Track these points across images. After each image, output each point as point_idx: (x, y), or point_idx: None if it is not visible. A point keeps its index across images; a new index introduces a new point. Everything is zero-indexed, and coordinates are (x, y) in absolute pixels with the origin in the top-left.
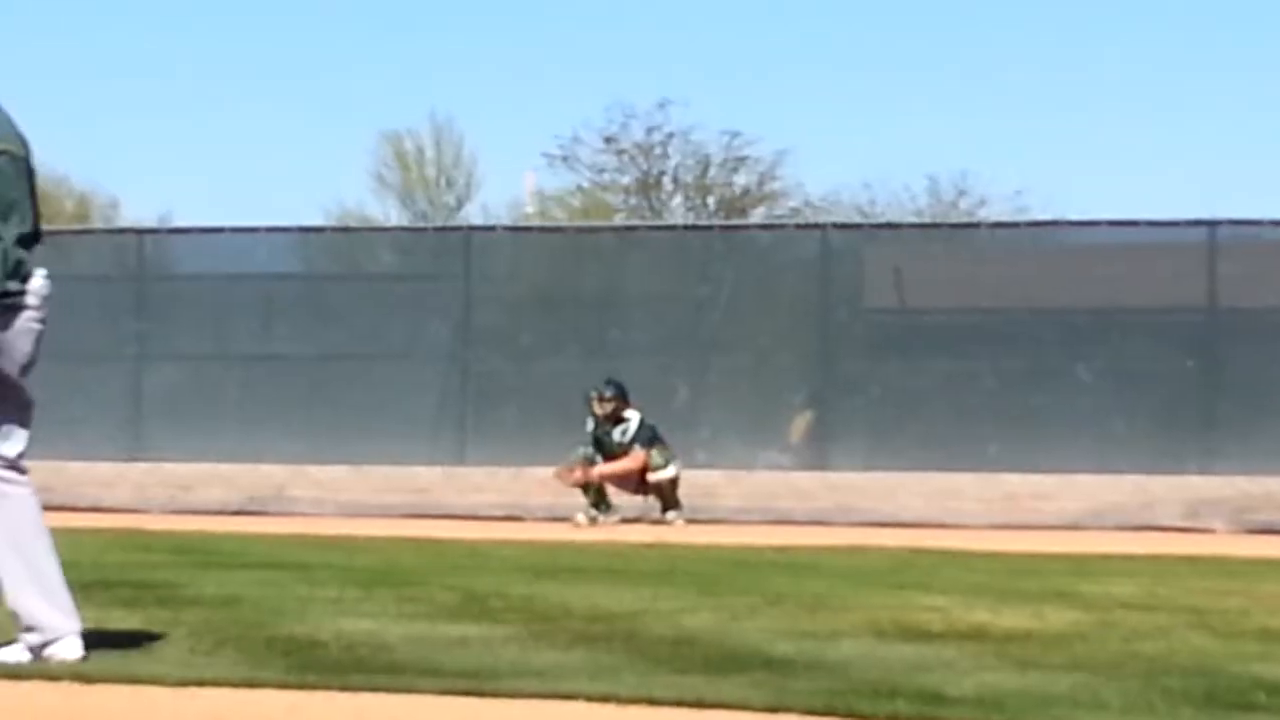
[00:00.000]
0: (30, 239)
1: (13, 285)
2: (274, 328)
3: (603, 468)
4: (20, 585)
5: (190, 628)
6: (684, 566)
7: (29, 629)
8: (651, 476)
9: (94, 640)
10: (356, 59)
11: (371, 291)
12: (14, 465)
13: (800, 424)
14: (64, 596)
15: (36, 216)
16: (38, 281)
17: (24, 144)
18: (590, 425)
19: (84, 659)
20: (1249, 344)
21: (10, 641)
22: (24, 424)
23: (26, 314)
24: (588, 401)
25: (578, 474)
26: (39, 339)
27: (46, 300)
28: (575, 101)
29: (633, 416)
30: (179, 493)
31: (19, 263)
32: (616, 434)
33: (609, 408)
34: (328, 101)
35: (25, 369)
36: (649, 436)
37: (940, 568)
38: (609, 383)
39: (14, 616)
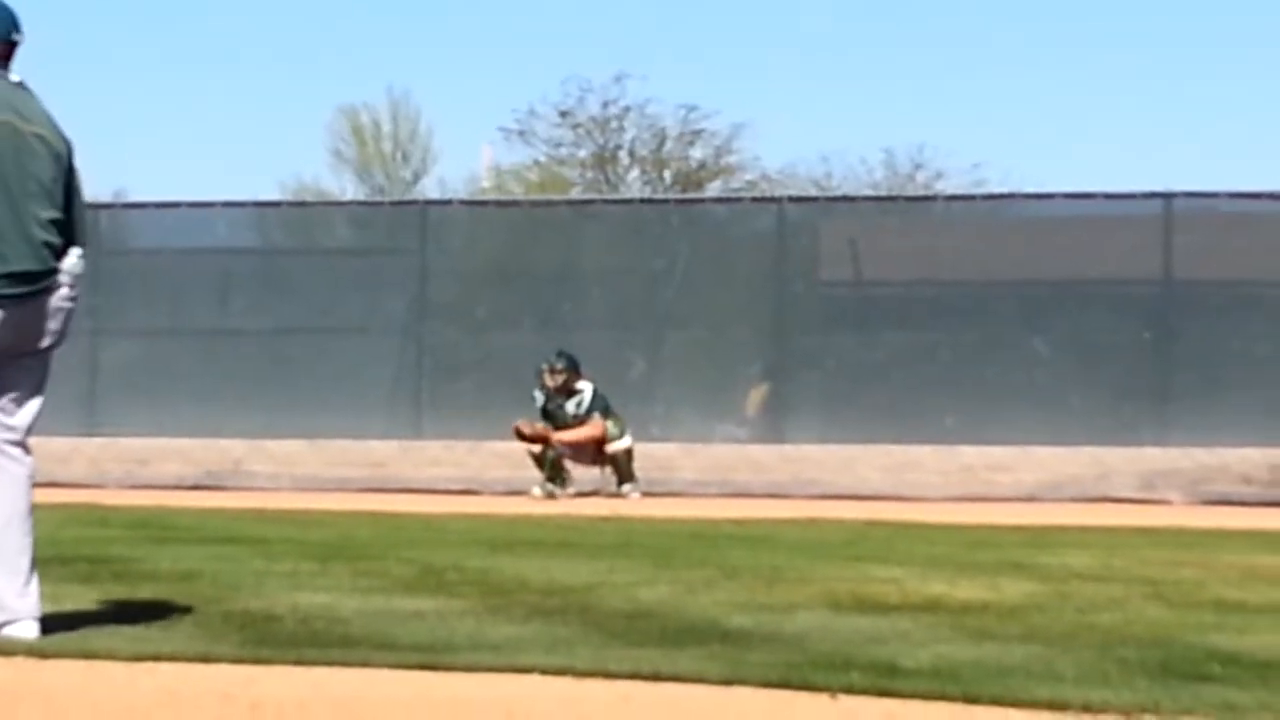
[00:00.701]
0: (62, 225)
1: (39, 265)
2: (230, 302)
3: (563, 435)
4: None
5: (146, 603)
6: (640, 540)
7: None
8: (609, 447)
9: (50, 616)
10: (313, 33)
11: (328, 266)
12: (20, 443)
13: (756, 396)
14: (32, 583)
15: (72, 208)
16: (71, 260)
17: (64, 141)
18: (540, 399)
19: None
20: (1204, 316)
21: None
22: (36, 400)
23: (60, 293)
24: (538, 374)
25: (539, 427)
26: (69, 316)
27: (79, 279)
28: (531, 76)
29: (586, 388)
30: (135, 467)
31: (45, 244)
32: (570, 406)
33: (560, 379)
34: (284, 75)
35: (53, 346)
36: (604, 406)
37: (896, 540)
38: (560, 354)
39: None
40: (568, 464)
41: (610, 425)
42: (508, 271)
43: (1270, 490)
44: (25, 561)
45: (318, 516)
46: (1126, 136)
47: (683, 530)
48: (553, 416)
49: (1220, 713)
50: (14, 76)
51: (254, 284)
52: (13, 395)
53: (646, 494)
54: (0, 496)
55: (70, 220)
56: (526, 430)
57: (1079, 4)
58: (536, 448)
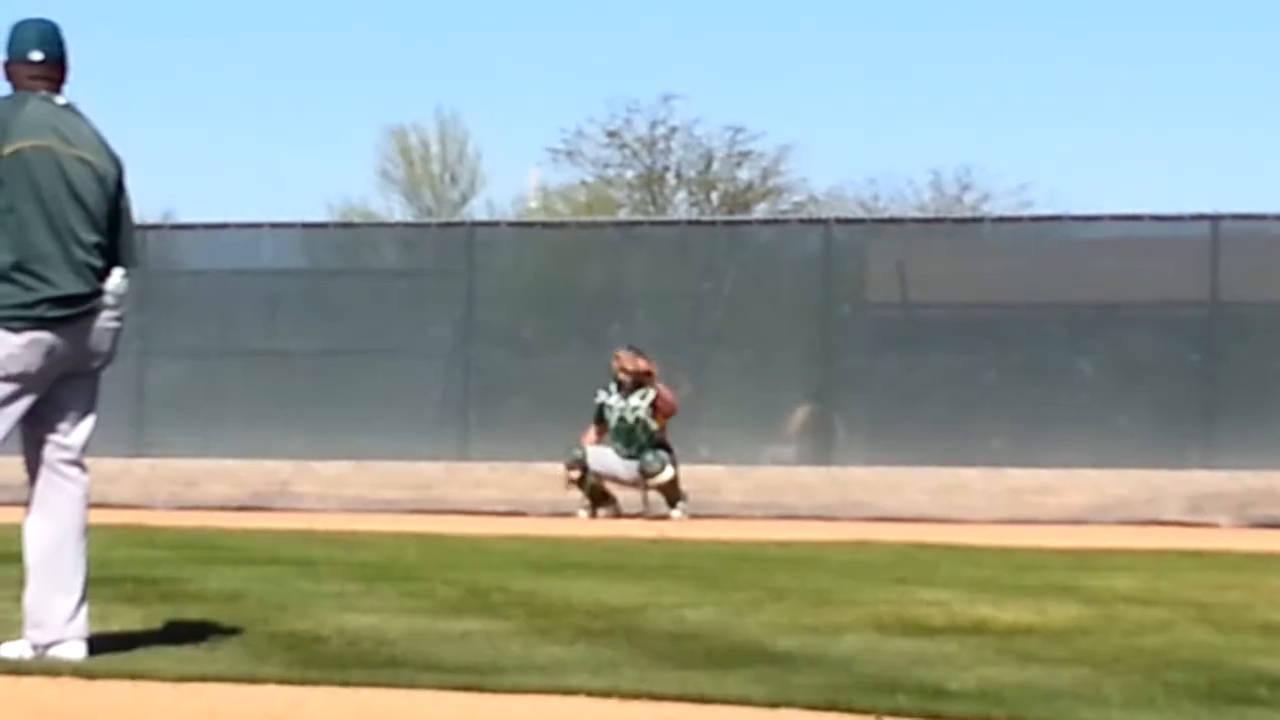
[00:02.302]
0: (105, 248)
1: (83, 288)
2: (278, 323)
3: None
4: (42, 581)
5: (193, 623)
6: (686, 561)
7: (37, 625)
8: (652, 480)
9: (97, 636)
10: (361, 54)
11: (375, 287)
12: (77, 461)
13: (798, 416)
14: (82, 603)
15: (119, 230)
16: (114, 281)
17: (114, 162)
18: (606, 396)
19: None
20: (1251, 338)
21: (15, 637)
22: (90, 420)
23: (105, 314)
24: (613, 364)
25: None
26: (116, 336)
27: (123, 299)
28: (579, 96)
29: (650, 391)
30: (183, 488)
31: (89, 266)
32: (635, 399)
33: (640, 364)
34: (333, 96)
35: (103, 366)
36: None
37: (943, 562)
38: (630, 347)
39: (26, 610)
40: (611, 487)
41: (650, 458)
42: (555, 293)
43: None
44: (79, 581)
45: (364, 537)
46: (1173, 158)
47: (729, 552)
48: (611, 415)
49: None
50: (61, 99)
51: (301, 305)
52: (66, 415)
53: (693, 515)
54: (57, 515)
55: (116, 241)
56: (575, 475)
57: (1127, 26)
58: (575, 473)
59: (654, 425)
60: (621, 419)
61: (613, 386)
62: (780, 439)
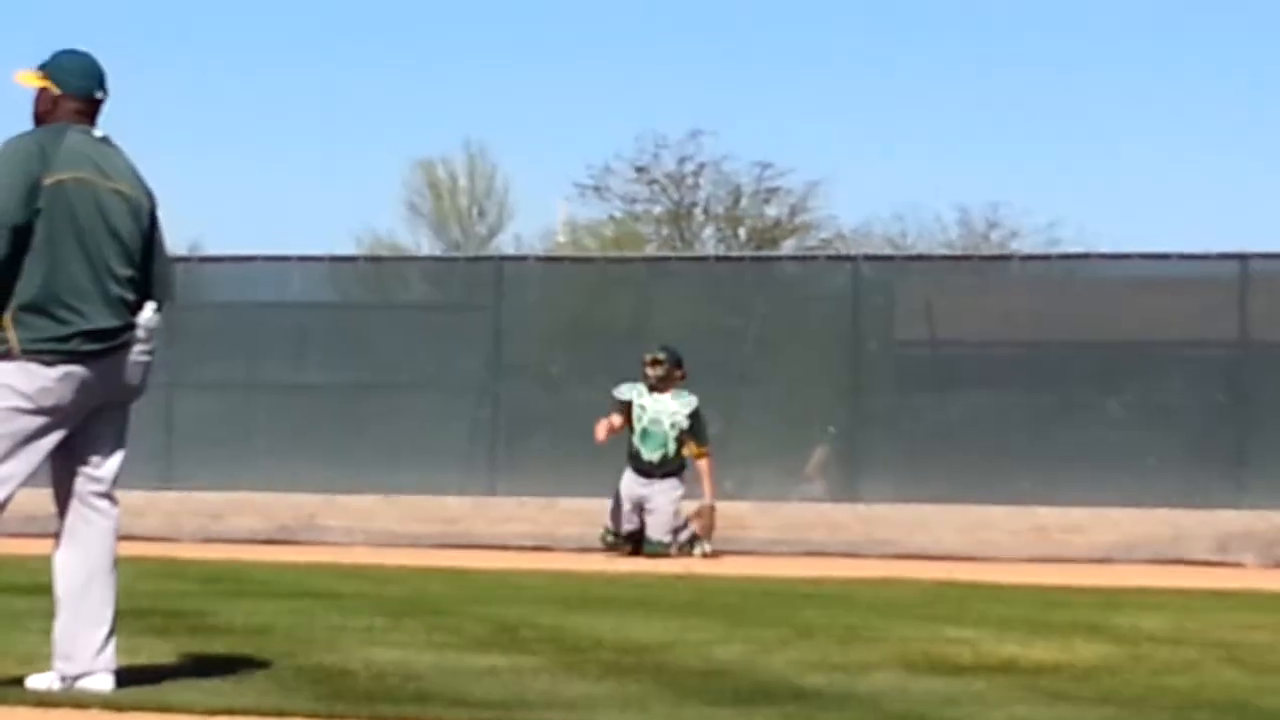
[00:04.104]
0: (139, 282)
1: (116, 322)
2: (305, 357)
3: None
4: (72, 613)
5: (220, 656)
6: (714, 598)
7: (66, 657)
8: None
9: (125, 669)
10: (390, 87)
11: (403, 321)
12: (107, 494)
13: (816, 457)
14: (111, 636)
15: (152, 262)
16: (146, 314)
17: (148, 195)
18: (634, 394)
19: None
20: None
21: (44, 669)
22: (120, 453)
23: (137, 348)
24: (641, 365)
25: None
26: (147, 370)
27: (154, 332)
28: (607, 131)
29: (692, 400)
30: (210, 521)
31: (122, 300)
32: (675, 403)
33: (661, 370)
34: (361, 129)
35: (133, 399)
36: (702, 429)
37: (971, 600)
38: (663, 348)
39: (55, 641)
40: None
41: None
42: (583, 328)
43: None
44: (109, 613)
45: (391, 572)
46: (1202, 196)
47: (756, 589)
48: (643, 421)
49: None
50: (98, 132)
51: (329, 339)
52: (97, 448)
53: (718, 552)
54: (87, 548)
55: (149, 274)
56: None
57: (1155, 64)
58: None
59: (682, 446)
60: (656, 420)
61: (642, 387)
62: (799, 479)
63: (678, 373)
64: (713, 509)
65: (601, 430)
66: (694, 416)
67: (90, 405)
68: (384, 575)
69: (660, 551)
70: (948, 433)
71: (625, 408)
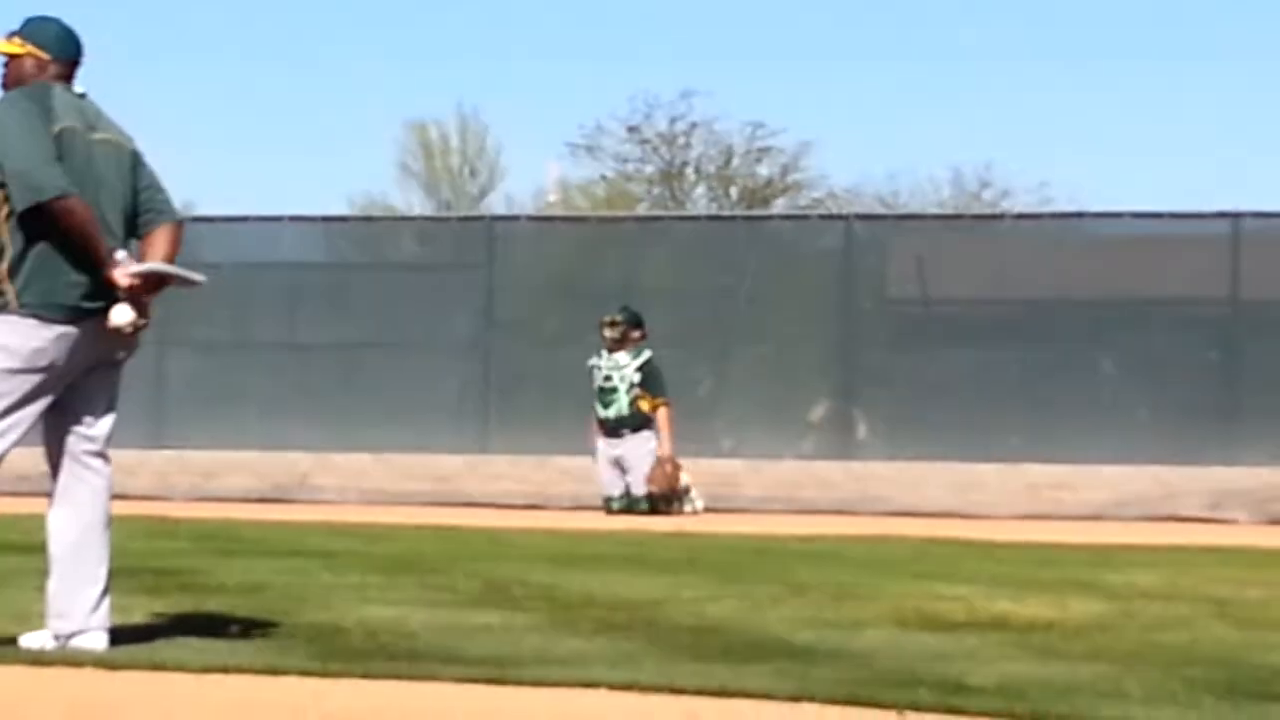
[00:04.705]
0: (129, 235)
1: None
2: (297, 316)
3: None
4: (65, 571)
5: (214, 615)
6: (706, 555)
7: (60, 615)
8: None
9: (119, 628)
10: (382, 48)
11: (395, 280)
12: (100, 453)
13: (818, 411)
14: (105, 594)
15: (138, 214)
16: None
17: (130, 139)
18: (597, 361)
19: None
20: (1272, 336)
21: (38, 628)
22: (113, 411)
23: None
24: (599, 326)
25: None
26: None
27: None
28: (599, 91)
29: (646, 353)
30: (202, 480)
31: (112, 254)
32: (624, 356)
33: (618, 331)
34: (352, 90)
35: (126, 357)
36: (657, 381)
37: (962, 558)
38: (622, 308)
39: (49, 600)
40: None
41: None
42: (574, 287)
43: None
44: (103, 572)
45: (384, 530)
46: (1194, 155)
47: (749, 546)
48: (597, 380)
49: None
50: (78, 88)
51: (321, 298)
52: (90, 407)
53: (710, 509)
54: (80, 506)
55: (136, 224)
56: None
57: (1146, 24)
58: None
59: (641, 399)
60: (608, 377)
61: (601, 352)
62: (801, 428)
63: (635, 333)
64: (671, 461)
65: (591, 428)
66: (644, 369)
67: (85, 364)
68: (376, 534)
69: (643, 508)
70: (939, 391)
71: (589, 378)
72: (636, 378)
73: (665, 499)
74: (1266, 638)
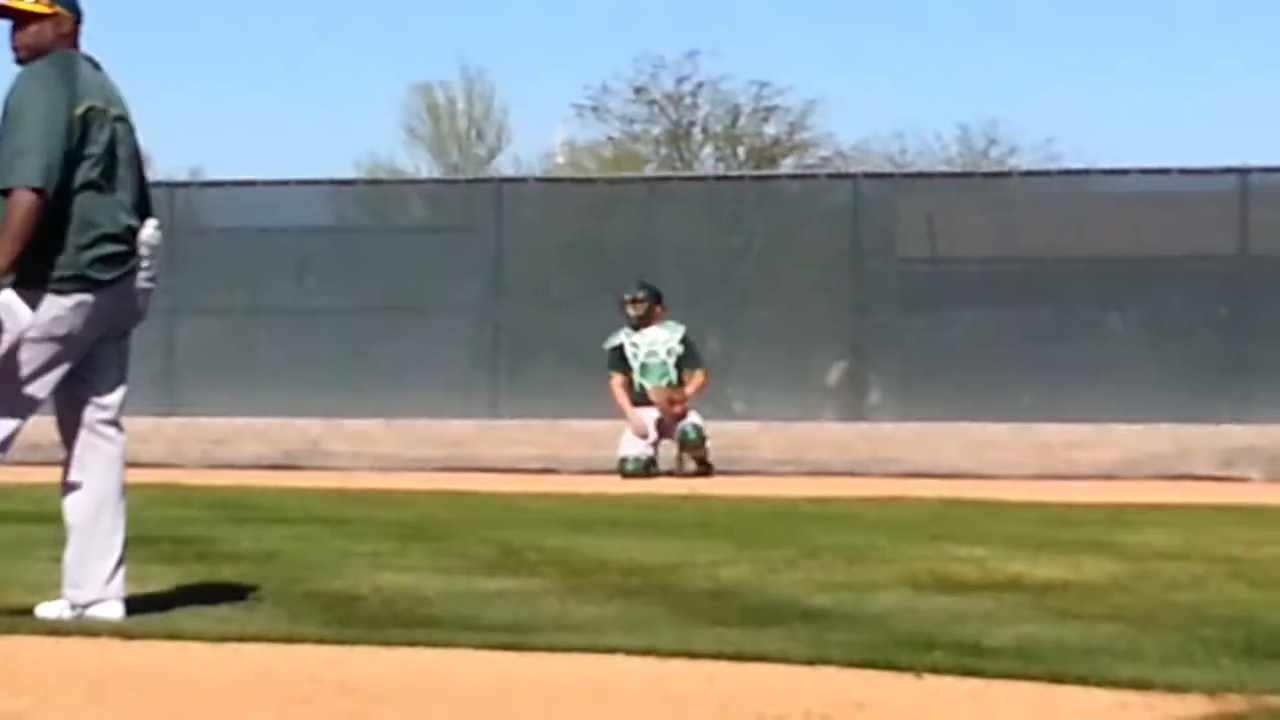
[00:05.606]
0: (139, 206)
1: (126, 248)
2: (306, 281)
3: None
4: (81, 541)
5: (229, 583)
6: (720, 519)
7: (75, 585)
8: (692, 453)
9: (134, 597)
10: (388, 10)
11: (404, 244)
12: (114, 421)
13: (836, 370)
14: (120, 563)
15: (144, 182)
16: (148, 231)
17: (130, 113)
18: (619, 340)
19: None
20: None
21: (54, 598)
22: (125, 380)
23: (141, 274)
24: (621, 305)
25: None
26: (149, 295)
27: (156, 250)
28: (605, 52)
29: (678, 329)
30: (214, 447)
31: (129, 228)
32: (663, 331)
33: (642, 309)
34: (359, 53)
35: (135, 324)
36: (695, 353)
37: (976, 519)
38: (641, 285)
39: (65, 569)
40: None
41: (690, 432)
42: (583, 249)
43: None
44: (118, 541)
45: (397, 496)
46: (1202, 111)
47: (762, 509)
48: (639, 357)
49: None
50: (90, 55)
51: (330, 263)
52: (103, 376)
53: (723, 472)
54: (95, 475)
55: (145, 194)
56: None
57: None
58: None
59: (682, 373)
60: (651, 353)
61: (628, 329)
62: (818, 391)
63: (658, 307)
64: (683, 398)
65: (619, 397)
66: (685, 342)
67: (98, 333)
68: (390, 500)
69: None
70: (951, 351)
71: (619, 355)
72: (680, 349)
73: (660, 424)
74: None
